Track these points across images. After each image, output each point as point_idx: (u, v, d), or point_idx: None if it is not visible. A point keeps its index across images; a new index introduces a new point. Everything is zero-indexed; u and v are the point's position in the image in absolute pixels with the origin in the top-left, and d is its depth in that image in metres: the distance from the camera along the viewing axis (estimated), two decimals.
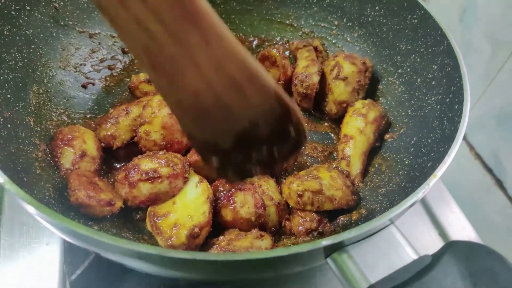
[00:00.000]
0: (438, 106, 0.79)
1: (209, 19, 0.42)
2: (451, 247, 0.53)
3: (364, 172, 0.88)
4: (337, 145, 0.91)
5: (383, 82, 0.98)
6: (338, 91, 0.92)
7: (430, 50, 0.86)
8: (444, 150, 0.66)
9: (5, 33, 0.79)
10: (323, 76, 0.95)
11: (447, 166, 0.60)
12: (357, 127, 0.87)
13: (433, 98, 0.82)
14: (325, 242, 0.51)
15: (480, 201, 1.25)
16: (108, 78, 1.01)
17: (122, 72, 1.04)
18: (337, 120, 0.97)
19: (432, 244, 0.92)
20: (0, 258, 0.80)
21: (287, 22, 1.15)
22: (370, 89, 1.00)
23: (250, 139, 0.51)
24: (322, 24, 1.11)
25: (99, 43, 1.01)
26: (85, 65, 0.98)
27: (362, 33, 1.05)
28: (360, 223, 0.74)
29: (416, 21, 0.90)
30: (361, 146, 0.86)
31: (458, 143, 0.63)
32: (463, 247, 0.54)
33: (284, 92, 0.50)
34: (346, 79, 0.91)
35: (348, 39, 1.08)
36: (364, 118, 0.87)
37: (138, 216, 0.78)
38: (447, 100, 0.76)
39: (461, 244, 0.54)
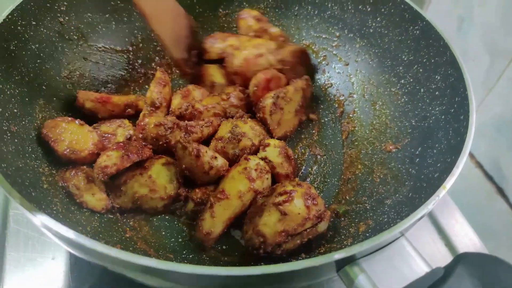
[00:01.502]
0: (443, 117, 0.79)
1: None
2: (463, 259, 0.53)
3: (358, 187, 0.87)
4: (209, 192, 0.81)
5: (386, 92, 0.99)
6: (266, 221, 0.70)
7: (432, 60, 0.87)
8: (451, 161, 0.66)
9: (12, 48, 0.79)
10: None
11: (455, 178, 0.60)
12: (238, 190, 0.76)
13: (437, 109, 0.82)
14: (338, 255, 0.51)
15: (482, 209, 1.26)
16: (113, 92, 1.01)
17: (126, 85, 1.04)
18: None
19: (438, 253, 0.92)
20: (6, 272, 0.79)
21: (289, 33, 1.16)
22: (372, 100, 1.01)
23: (189, 48, 1.02)
24: (323, 36, 1.12)
25: (103, 57, 1.02)
26: (89, 78, 0.98)
27: (363, 44, 1.06)
28: (367, 234, 0.74)
29: (418, 32, 0.91)
30: (232, 211, 0.76)
31: (466, 154, 0.63)
32: (475, 258, 0.54)
33: None
34: (285, 215, 0.70)
35: (350, 50, 1.09)
36: (250, 183, 0.77)
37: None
38: (452, 110, 0.77)
39: (472, 255, 0.54)
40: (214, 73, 1.01)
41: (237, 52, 0.98)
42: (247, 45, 0.98)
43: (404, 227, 0.54)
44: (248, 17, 1.08)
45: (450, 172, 0.62)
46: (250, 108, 0.96)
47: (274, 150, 0.85)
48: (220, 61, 1.04)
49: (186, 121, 0.89)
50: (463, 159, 0.63)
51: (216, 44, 1.04)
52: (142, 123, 0.84)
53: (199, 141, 0.89)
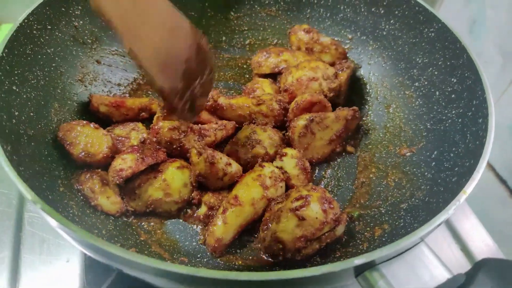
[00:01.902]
0: (460, 120, 0.79)
1: None
2: (484, 265, 0.53)
3: (369, 192, 0.86)
4: (222, 198, 0.81)
5: (400, 95, 0.98)
6: (284, 227, 0.69)
7: (448, 63, 0.86)
8: (470, 165, 0.65)
9: (28, 52, 0.80)
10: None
11: (476, 182, 0.60)
12: (252, 197, 0.76)
13: (453, 112, 0.81)
14: (358, 260, 0.50)
15: (495, 213, 1.24)
16: (127, 95, 1.02)
17: (139, 88, 1.05)
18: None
19: (453, 257, 0.91)
20: (21, 275, 0.80)
21: None
22: (385, 102, 1.00)
23: (189, 76, 0.70)
24: (335, 38, 1.11)
25: (116, 60, 1.02)
26: (103, 81, 0.99)
27: (376, 46, 1.05)
28: (383, 239, 0.74)
29: (433, 34, 0.90)
30: (244, 218, 0.75)
31: (486, 158, 0.63)
32: (496, 265, 0.53)
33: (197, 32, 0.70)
34: (303, 220, 0.69)
35: (362, 53, 1.08)
36: (264, 191, 0.76)
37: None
38: (469, 113, 0.76)
39: (493, 262, 0.54)
40: (266, 87, 1.00)
41: (294, 70, 0.97)
42: (305, 66, 0.97)
43: (424, 232, 0.53)
44: (298, 31, 1.07)
45: (470, 176, 0.61)
46: (282, 122, 0.94)
47: (291, 161, 0.84)
48: (271, 75, 1.04)
49: (199, 125, 0.89)
50: (483, 163, 0.62)
51: (269, 58, 1.04)
52: (156, 127, 0.84)
53: (213, 145, 0.89)
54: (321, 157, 0.92)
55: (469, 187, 0.60)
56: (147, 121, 0.94)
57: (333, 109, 0.93)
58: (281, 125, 0.94)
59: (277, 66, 1.03)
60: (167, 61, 0.68)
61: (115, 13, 0.62)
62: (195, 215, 0.82)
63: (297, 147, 0.88)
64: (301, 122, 0.87)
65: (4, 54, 0.73)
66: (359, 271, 0.54)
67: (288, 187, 0.82)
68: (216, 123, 0.91)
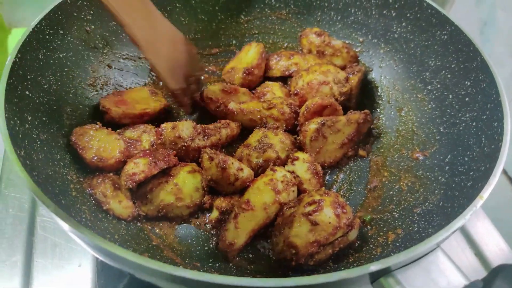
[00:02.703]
0: (474, 123, 0.78)
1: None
2: (502, 271, 0.52)
3: (379, 198, 0.85)
4: (234, 202, 0.81)
5: (412, 98, 0.97)
6: (297, 232, 0.69)
7: (462, 66, 0.85)
8: (485, 169, 0.64)
9: (40, 57, 0.80)
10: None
11: (493, 187, 0.59)
12: (263, 202, 0.75)
13: (467, 115, 0.80)
14: (374, 267, 0.50)
15: (507, 217, 1.22)
16: None
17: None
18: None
19: (467, 261, 0.89)
20: (33, 279, 0.80)
21: None
22: (397, 106, 0.99)
23: (187, 77, 0.91)
24: (346, 41, 1.11)
25: (127, 65, 1.03)
26: (114, 86, 0.99)
27: (388, 49, 1.05)
28: (397, 244, 0.73)
29: (446, 37, 0.89)
30: (256, 222, 0.75)
31: (502, 162, 0.62)
32: None
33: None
34: (316, 225, 0.68)
35: (374, 56, 1.07)
36: (276, 195, 0.76)
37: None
38: (484, 117, 0.75)
39: (511, 268, 0.52)
40: (276, 91, 1.00)
41: (305, 74, 0.97)
42: (316, 69, 0.97)
43: (442, 238, 0.53)
44: (309, 34, 1.07)
45: (487, 181, 0.60)
46: (293, 126, 0.94)
47: (303, 165, 0.83)
48: (282, 79, 1.04)
49: (202, 125, 0.89)
50: (500, 168, 0.61)
51: (280, 61, 1.04)
52: (159, 129, 0.84)
53: (219, 144, 0.89)
54: (333, 161, 0.91)
55: (486, 192, 0.59)
56: (159, 121, 0.93)
57: (344, 113, 0.93)
58: (292, 129, 0.93)
59: (288, 69, 1.03)
60: (173, 67, 0.88)
61: (141, 36, 0.82)
62: (206, 219, 0.81)
63: (308, 151, 0.87)
64: (312, 126, 0.87)
65: (17, 59, 0.74)
66: (375, 277, 0.53)
67: (300, 191, 0.82)
68: (219, 122, 0.91)
